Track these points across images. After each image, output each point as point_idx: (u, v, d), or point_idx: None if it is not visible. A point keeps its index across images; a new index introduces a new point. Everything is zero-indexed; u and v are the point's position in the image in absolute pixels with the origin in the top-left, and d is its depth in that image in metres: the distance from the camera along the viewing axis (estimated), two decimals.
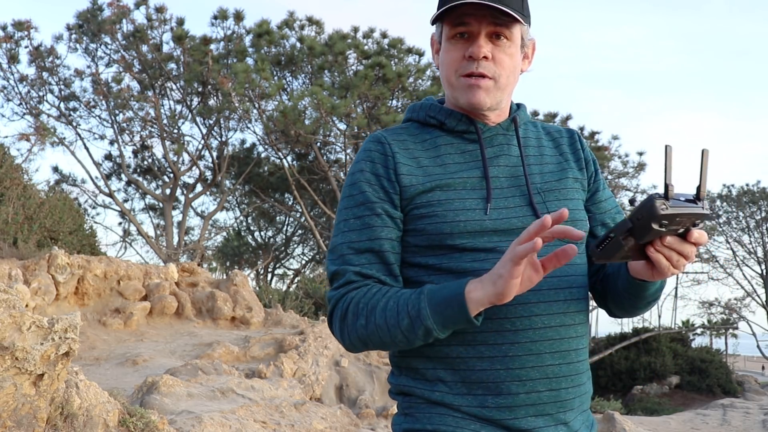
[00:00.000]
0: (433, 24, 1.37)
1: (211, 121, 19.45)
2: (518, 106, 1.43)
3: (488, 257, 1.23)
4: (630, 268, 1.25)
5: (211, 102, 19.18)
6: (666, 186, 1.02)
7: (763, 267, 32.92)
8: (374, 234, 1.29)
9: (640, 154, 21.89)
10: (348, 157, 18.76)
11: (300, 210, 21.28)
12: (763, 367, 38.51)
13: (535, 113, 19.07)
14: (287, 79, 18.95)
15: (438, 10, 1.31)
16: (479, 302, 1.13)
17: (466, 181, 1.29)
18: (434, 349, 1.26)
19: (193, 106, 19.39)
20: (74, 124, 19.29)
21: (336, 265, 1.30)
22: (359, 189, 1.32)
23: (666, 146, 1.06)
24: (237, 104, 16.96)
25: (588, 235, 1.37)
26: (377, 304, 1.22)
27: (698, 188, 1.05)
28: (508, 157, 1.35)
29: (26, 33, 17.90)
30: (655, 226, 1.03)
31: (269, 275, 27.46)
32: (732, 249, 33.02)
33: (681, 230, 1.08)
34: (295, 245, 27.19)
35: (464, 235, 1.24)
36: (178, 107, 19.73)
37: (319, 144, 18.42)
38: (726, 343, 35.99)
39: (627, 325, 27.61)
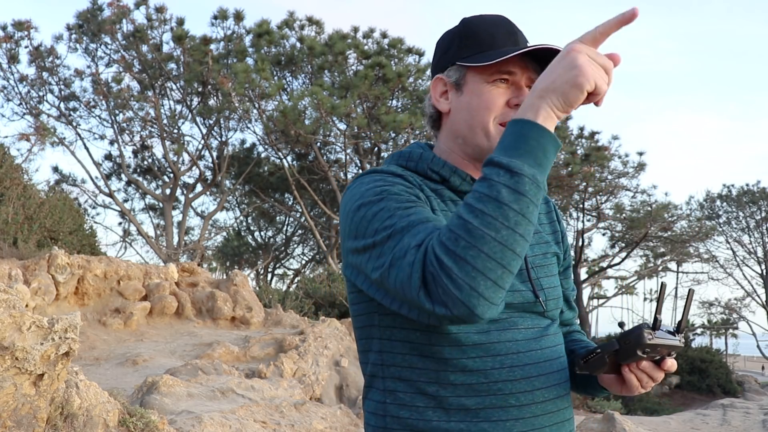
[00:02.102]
0: (452, 65, 1.27)
1: (211, 121, 19.46)
2: None
3: (491, 328, 1.20)
4: (599, 377, 1.30)
5: (211, 102, 19.20)
6: (656, 319, 1.14)
7: (763, 267, 32.94)
8: (427, 213, 1.14)
9: (640, 154, 21.91)
10: (348, 157, 18.78)
11: (300, 210, 21.29)
12: (763, 367, 38.50)
13: None
14: (287, 79, 18.96)
15: (479, 55, 1.23)
16: (550, 117, 1.06)
17: None
18: (431, 425, 1.19)
19: (193, 106, 19.39)
20: (74, 124, 19.32)
21: (396, 241, 1.08)
22: (399, 195, 1.16)
23: (662, 284, 1.19)
24: (237, 104, 16.97)
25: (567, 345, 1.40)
26: (467, 223, 1.00)
27: (679, 323, 1.18)
28: None
29: (26, 33, 17.91)
30: (639, 353, 1.15)
31: (269, 275, 27.49)
32: (732, 249, 33.05)
33: (657, 357, 1.19)
34: (295, 245, 27.22)
35: None
36: (178, 107, 19.75)
37: (319, 144, 18.42)
38: (726, 343, 36.01)
39: (627, 325, 27.58)
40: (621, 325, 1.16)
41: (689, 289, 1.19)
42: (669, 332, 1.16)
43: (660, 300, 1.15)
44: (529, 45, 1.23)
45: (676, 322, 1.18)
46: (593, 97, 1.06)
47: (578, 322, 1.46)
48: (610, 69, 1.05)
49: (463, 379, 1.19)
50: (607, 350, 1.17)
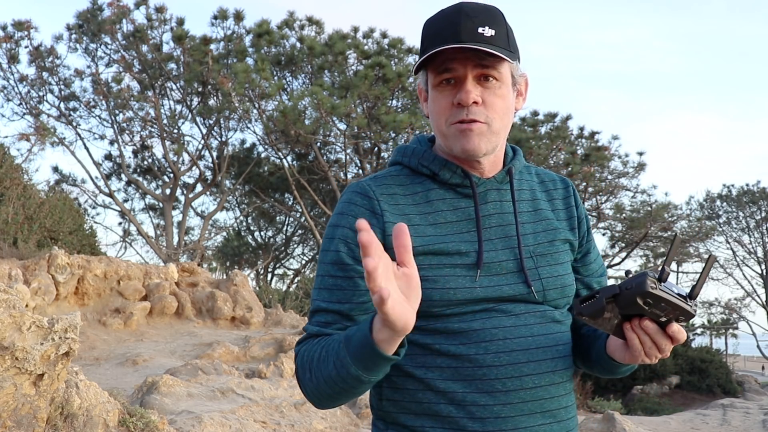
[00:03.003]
0: (416, 73, 1.30)
1: (211, 121, 19.46)
2: (514, 151, 1.38)
3: (475, 317, 1.21)
4: (607, 343, 1.27)
5: (211, 102, 19.19)
6: (662, 269, 1.05)
7: (763, 267, 32.94)
8: (344, 297, 1.23)
9: (640, 154, 21.87)
10: (348, 157, 18.77)
11: (300, 210, 21.28)
12: (763, 367, 38.51)
13: (535, 113, 19.07)
14: (287, 79, 18.96)
15: (420, 58, 1.25)
16: (386, 340, 1.05)
17: (459, 245, 1.24)
18: (422, 407, 1.22)
19: (193, 106, 19.39)
20: (74, 124, 19.31)
21: (307, 322, 1.29)
22: (335, 246, 1.25)
23: (675, 235, 1.14)
24: (237, 104, 16.96)
25: (574, 296, 1.35)
26: (313, 356, 1.18)
27: (693, 288, 1.08)
28: (501, 216, 1.29)
29: (26, 33, 17.91)
30: (640, 302, 1.06)
31: (269, 275, 27.47)
32: (732, 249, 33.06)
33: (663, 319, 1.10)
34: (295, 245, 27.21)
35: (453, 303, 1.21)
36: (178, 107, 19.75)
37: (319, 144, 18.42)
38: (726, 343, 36.00)
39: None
40: (627, 273, 1.08)
41: (710, 255, 1.09)
42: (680, 294, 1.07)
43: (670, 252, 1.06)
44: (463, 38, 1.20)
45: (690, 288, 1.08)
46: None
47: None
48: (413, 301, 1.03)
49: (449, 363, 1.21)
50: (605, 294, 1.09)
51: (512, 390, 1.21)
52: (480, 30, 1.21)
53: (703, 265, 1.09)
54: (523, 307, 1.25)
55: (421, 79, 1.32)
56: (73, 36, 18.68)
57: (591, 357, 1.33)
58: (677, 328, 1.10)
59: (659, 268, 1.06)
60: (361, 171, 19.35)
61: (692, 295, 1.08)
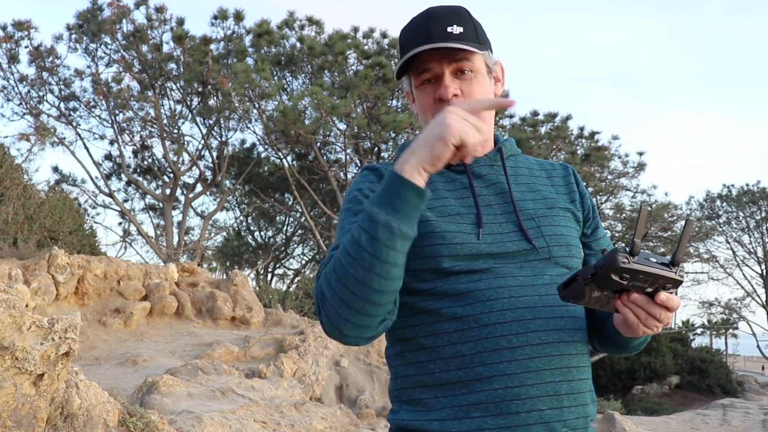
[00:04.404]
0: (399, 78, 1.40)
1: (211, 121, 19.45)
2: (506, 138, 1.45)
3: (482, 277, 1.24)
4: (613, 319, 1.29)
5: (211, 102, 19.18)
6: (632, 242, 1.05)
7: (763, 267, 32.93)
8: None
9: (640, 154, 21.88)
10: (348, 157, 18.77)
11: (300, 210, 21.28)
12: (763, 367, 38.52)
13: (535, 113, 19.06)
14: (287, 79, 18.95)
15: (398, 63, 1.34)
16: (415, 169, 1.11)
17: (459, 208, 1.29)
18: (434, 377, 1.24)
19: (193, 106, 19.39)
20: (74, 124, 19.30)
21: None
22: (358, 201, 1.31)
23: (641, 206, 1.13)
24: (237, 104, 16.96)
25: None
26: (336, 253, 1.17)
27: (674, 254, 1.09)
28: (496, 186, 1.35)
29: (26, 33, 17.90)
30: (615, 278, 1.07)
31: (269, 275, 27.47)
32: (732, 249, 33.03)
33: (649, 289, 1.11)
34: (295, 245, 27.20)
35: (460, 258, 1.24)
36: (178, 107, 19.74)
37: (319, 144, 18.41)
38: (726, 343, 36.03)
39: None
40: (603, 251, 1.09)
41: (687, 220, 1.08)
42: (662, 263, 1.08)
43: (639, 224, 1.07)
44: (434, 39, 1.30)
45: (671, 255, 1.09)
46: (462, 150, 1.11)
47: None
48: (481, 128, 1.12)
49: (456, 326, 1.23)
50: (583, 275, 1.10)
51: (518, 346, 1.21)
52: (449, 29, 1.30)
53: (681, 229, 1.09)
54: (529, 269, 1.27)
55: (405, 83, 1.41)
56: (73, 36, 18.68)
57: (603, 334, 1.36)
58: (665, 296, 1.11)
59: (630, 242, 1.06)
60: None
61: (674, 262, 1.08)
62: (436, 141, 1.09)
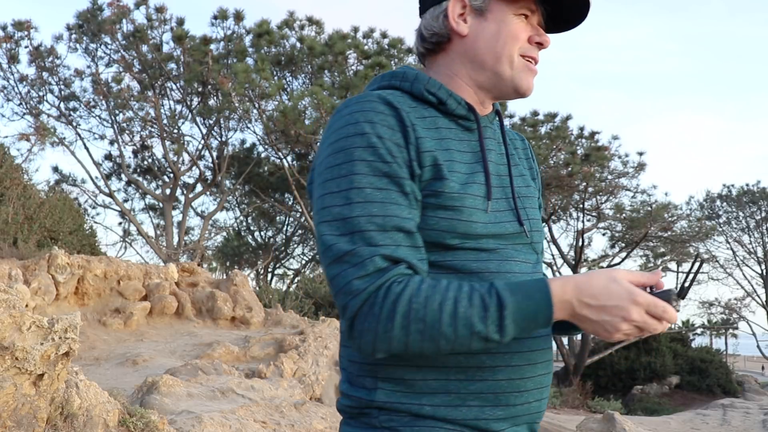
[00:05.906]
0: None
1: (211, 121, 19.45)
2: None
3: (490, 257, 1.17)
4: None
5: (211, 102, 19.18)
6: (686, 289, 1.10)
7: (763, 267, 32.94)
8: (402, 213, 1.10)
9: (640, 154, 21.86)
10: None
11: (300, 210, 21.27)
12: (763, 367, 38.54)
13: (535, 113, 19.06)
14: (287, 79, 18.95)
15: None
16: (565, 313, 1.06)
17: (469, 175, 1.18)
18: (427, 358, 1.13)
19: (193, 106, 19.39)
20: (74, 124, 19.30)
21: (351, 243, 1.07)
22: (380, 157, 1.10)
23: (701, 259, 1.17)
24: (237, 104, 16.96)
25: None
26: (437, 306, 1.04)
27: (683, 288, 1.11)
28: (498, 155, 1.27)
29: (26, 33, 17.89)
30: None
31: (269, 275, 27.48)
32: (732, 249, 33.05)
33: None
34: (295, 245, 27.20)
35: (471, 236, 1.15)
36: (178, 107, 19.74)
37: (319, 144, 18.40)
38: (726, 343, 36.06)
39: None
40: (651, 288, 1.09)
41: (702, 259, 1.09)
42: (665, 291, 1.08)
43: (695, 274, 1.11)
44: None
45: (679, 287, 1.10)
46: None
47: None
48: (650, 328, 1.06)
49: None
50: None
51: (525, 338, 1.17)
52: None
53: (691, 266, 1.12)
54: (523, 255, 1.23)
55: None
56: (73, 36, 18.67)
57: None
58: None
59: (685, 288, 1.10)
60: None
61: (682, 295, 1.09)
62: (606, 324, 1.05)
